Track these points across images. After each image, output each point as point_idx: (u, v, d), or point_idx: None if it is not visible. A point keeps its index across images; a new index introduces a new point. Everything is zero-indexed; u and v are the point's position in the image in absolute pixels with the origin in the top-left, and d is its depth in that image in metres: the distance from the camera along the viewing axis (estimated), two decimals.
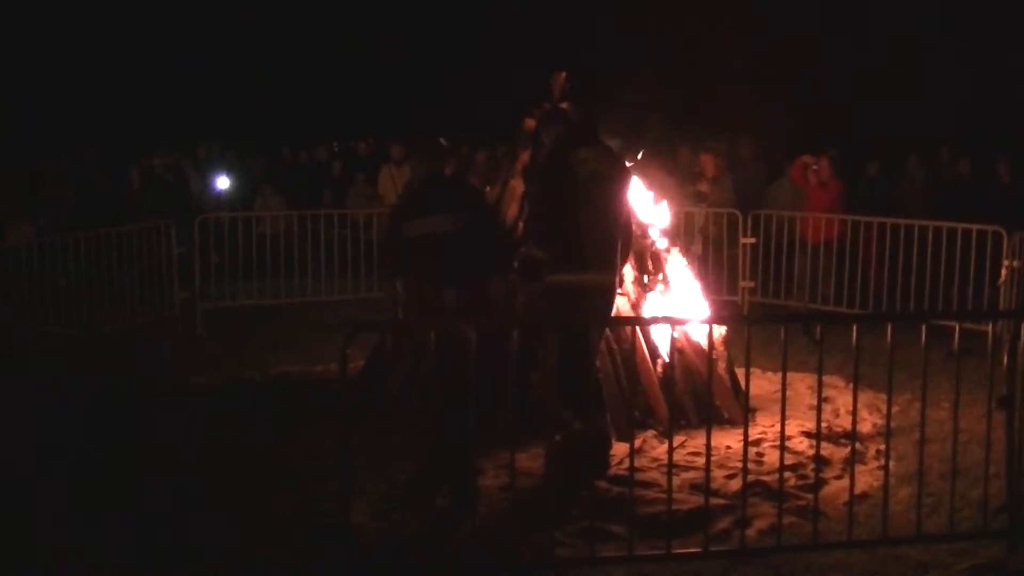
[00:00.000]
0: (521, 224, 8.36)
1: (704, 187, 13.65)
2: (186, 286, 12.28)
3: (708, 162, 13.99)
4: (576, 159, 7.12)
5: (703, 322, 8.08)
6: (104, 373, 9.70)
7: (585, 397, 6.90)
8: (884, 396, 6.46)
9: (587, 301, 6.98)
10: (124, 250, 11.70)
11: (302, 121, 20.29)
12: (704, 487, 6.13)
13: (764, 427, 8.06)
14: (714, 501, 6.33)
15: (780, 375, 5.95)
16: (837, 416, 8.46)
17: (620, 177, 7.33)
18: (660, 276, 8.67)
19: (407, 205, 7.07)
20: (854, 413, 6.19)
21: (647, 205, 9.08)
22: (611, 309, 7.23)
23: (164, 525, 6.26)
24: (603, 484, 6.75)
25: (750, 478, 6.30)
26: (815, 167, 13.08)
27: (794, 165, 13.54)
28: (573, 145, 7.23)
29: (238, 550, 5.98)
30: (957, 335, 9.11)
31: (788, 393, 6.12)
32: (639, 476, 6.60)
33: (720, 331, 8.50)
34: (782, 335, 5.76)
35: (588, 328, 6.89)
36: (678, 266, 8.90)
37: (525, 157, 8.67)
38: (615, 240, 7.16)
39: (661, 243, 8.93)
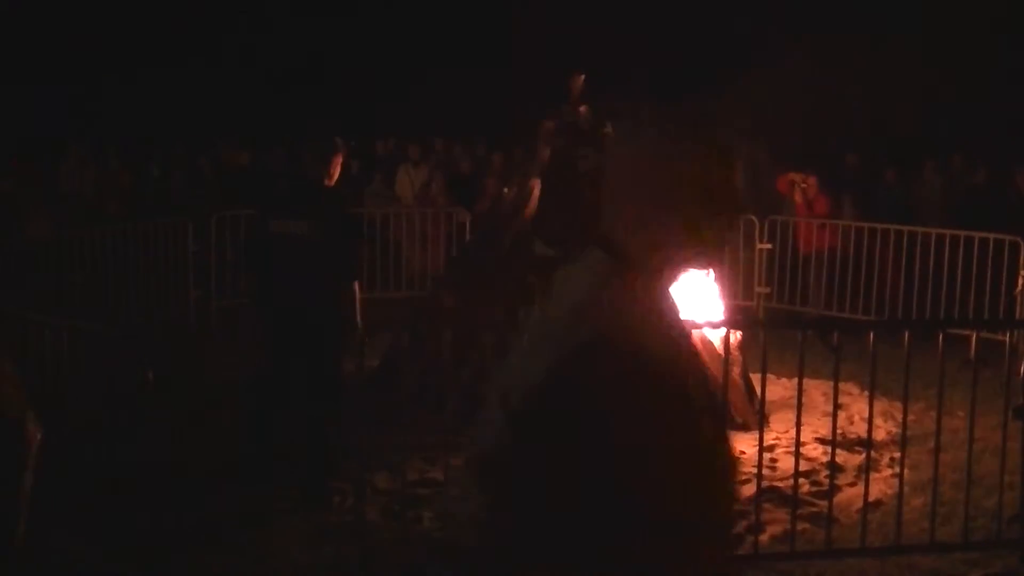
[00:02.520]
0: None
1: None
2: (201, 283, 12.31)
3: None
4: (578, 154, 7.25)
5: (718, 326, 8.08)
6: (116, 368, 9.70)
7: None
8: (899, 404, 6.45)
9: None
10: (141, 246, 11.73)
11: (319, 118, 20.31)
12: None
13: (778, 433, 8.06)
14: None
15: (794, 381, 5.95)
16: (852, 423, 8.44)
17: None
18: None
19: (275, 201, 7.12)
20: (869, 420, 6.19)
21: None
22: None
23: (177, 521, 6.28)
24: None
25: (764, 484, 6.30)
26: (803, 185, 12.93)
27: (780, 180, 13.39)
28: (577, 143, 7.36)
29: (250, 546, 6.00)
30: (974, 344, 9.06)
31: (803, 399, 6.11)
32: None
33: (735, 335, 8.49)
34: (799, 340, 5.76)
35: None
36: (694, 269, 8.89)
37: (544, 158, 8.69)
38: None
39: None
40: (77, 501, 6.22)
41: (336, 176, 6.99)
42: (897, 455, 6.59)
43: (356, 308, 6.74)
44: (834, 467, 6.80)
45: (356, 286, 6.79)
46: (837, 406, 6.35)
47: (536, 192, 8.61)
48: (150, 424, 8.06)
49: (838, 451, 7.20)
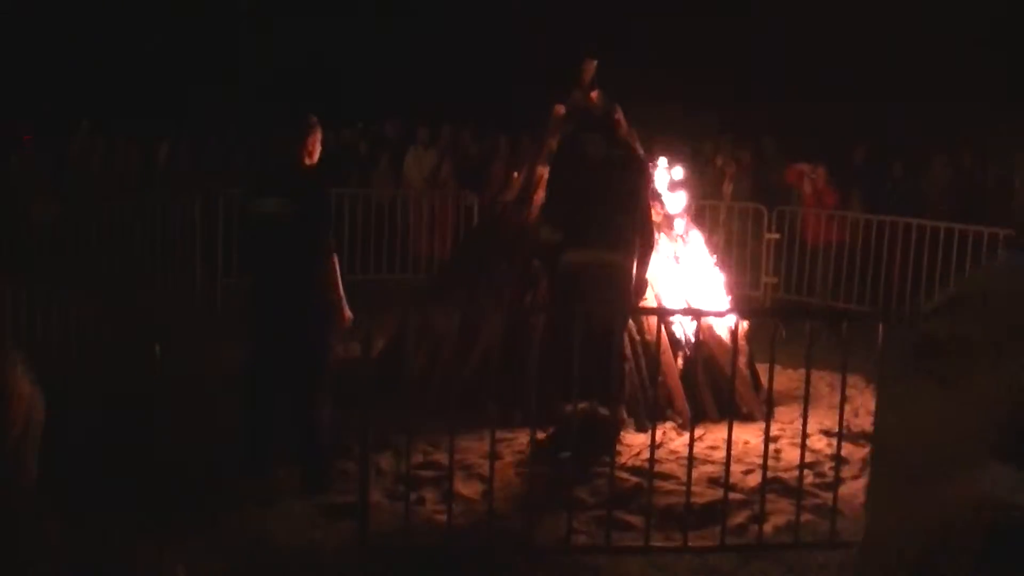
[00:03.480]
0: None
1: (727, 186, 13.65)
2: (207, 261, 12.31)
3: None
4: (587, 141, 7.25)
5: (727, 315, 8.07)
6: (123, 347, 9.70)
7: (604, 382, 6.89)
8: None
9: (600, 280, 7.00)
10: (148, 224, 11.74)
11: (327, 100, 20.29)
12: (723, 481, 6.12)
13: (782, 424, 8.03)
14: (731, 495, 6.32)
15: (799, 371, 5.95)
16: (856, 415, 8.41)
17: (634, 166, 7.38)
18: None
19: (252, 183, 7.06)
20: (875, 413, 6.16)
21: (669, 196, 9.09)
22: (627, 289, 7.23)
23: (179, 500, 6.27)
24: (621, 474, 6.75)
25: (768, 475, 6.29)
26: (812, 175, 12.94)
27: (789, 171, 13.40)
28: (586, 130, 7.36)
29: (253, 526, 6.00)
30: None
31: (809, 390, 6.09)
32: (657, 468, 6.59)
33: (742, 325, 8.48)
34: (807, 331, 5.74)
35: (609, 311, 6.89)
36: (702, 257, 8.89)
37: (552, 144, 8.67)
38: (627, 222, 7.18)
39: (684, 232, 8.93)
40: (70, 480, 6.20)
41: (316, 154, 6.74)
42: None
43: (335, 288, 6.60)
44: (839, 459, 6.78)
45: (333, 265, 6.62)
46: (844, 398, 6.35)
47: (544, 178, 8.60)
48: (154, 405, 8.11)
49: (843, 444, 7.19)
